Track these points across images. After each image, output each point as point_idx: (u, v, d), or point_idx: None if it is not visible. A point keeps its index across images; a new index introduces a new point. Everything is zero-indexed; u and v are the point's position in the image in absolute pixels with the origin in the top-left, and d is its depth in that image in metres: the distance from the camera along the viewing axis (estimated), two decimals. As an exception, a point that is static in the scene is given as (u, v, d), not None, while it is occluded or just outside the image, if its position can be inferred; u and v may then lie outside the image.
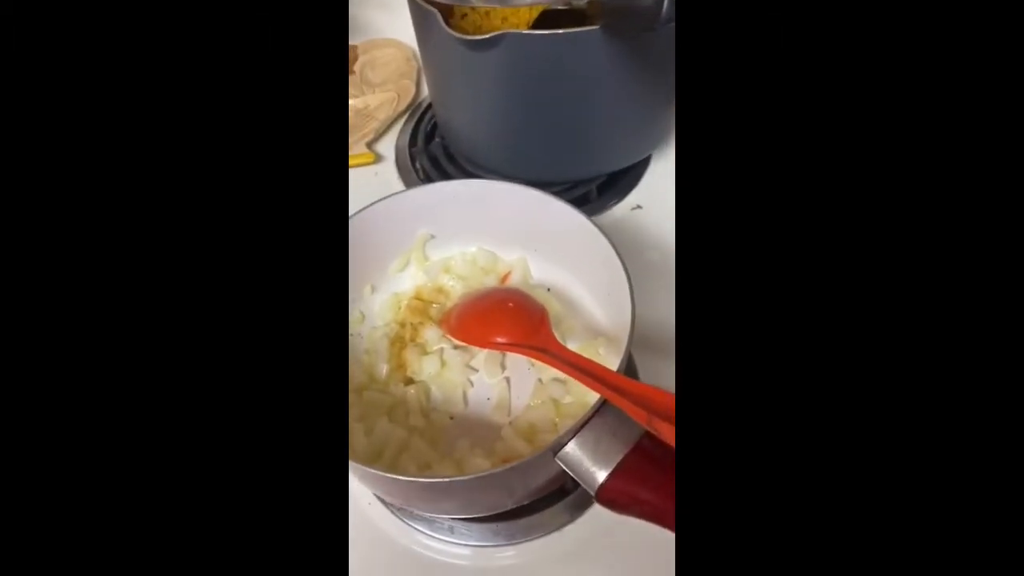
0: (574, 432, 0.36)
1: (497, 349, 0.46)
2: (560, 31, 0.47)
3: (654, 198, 0.62)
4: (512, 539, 0.44)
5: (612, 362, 0.45)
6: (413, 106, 0.74)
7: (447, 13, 0.53)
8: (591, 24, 0.47)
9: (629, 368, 0.49)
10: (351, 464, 0.36)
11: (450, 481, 0.35)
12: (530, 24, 0.63)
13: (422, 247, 0.54)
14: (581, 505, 0.45)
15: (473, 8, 0.60)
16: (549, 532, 0.44)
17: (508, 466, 0.35)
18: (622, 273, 0.43)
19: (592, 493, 0.35)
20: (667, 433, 0.31)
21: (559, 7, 0.51)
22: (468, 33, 0.63)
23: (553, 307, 0.51)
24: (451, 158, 0.66)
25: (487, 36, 0.47)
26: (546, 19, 0.63)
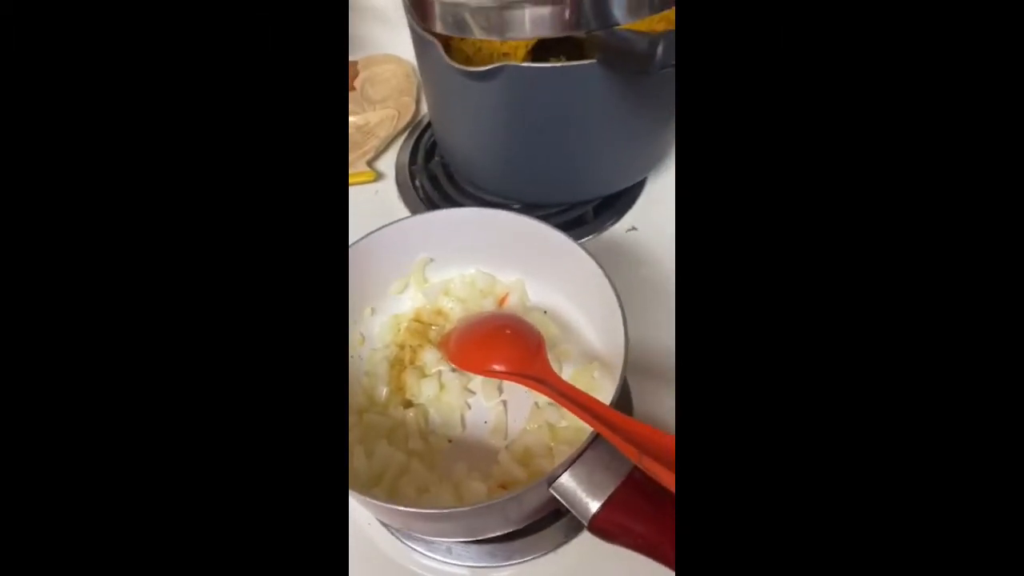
0: (569, 464, 0.37)
1: (494, 377, 0.47)
2: (558, 64, 0.48)
3: (649, 220, 0.63)
4: (509, 560, 0.46)
5: (607, 388, 0.46)
6: (413, 123, 0.75)
7: (446, 41, 0.54)
8: (588, 51, 0.48)
9: (623, 391, 0.50)
10: (351, 491, 0.38)
11: (448, 512, 0.37)
12: (529, 48, 0.64)
13: (422, 270, 0.55)
14: (576, 526, 0.46)
15: (473, 33, 0.61)
16: (545, 553, 0.46)
17: (504, 497, 0.36)
18: (615, 302, 0.44)
19: (584, 523, 0.36)
20: (657, 471, 0.32)
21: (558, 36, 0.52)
22: (468, 53, 0.65)
23: (550, 330, 0.52)
24: (450, 177, 0.67)
25: (486, 68, 0.48)
26: (545, 42, 0.64)
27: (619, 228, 0.63)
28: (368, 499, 0.37)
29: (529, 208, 0.62)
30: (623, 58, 0.44)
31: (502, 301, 0.55)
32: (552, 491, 0.37)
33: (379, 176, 0.70)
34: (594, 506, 0.36)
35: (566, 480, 0.37)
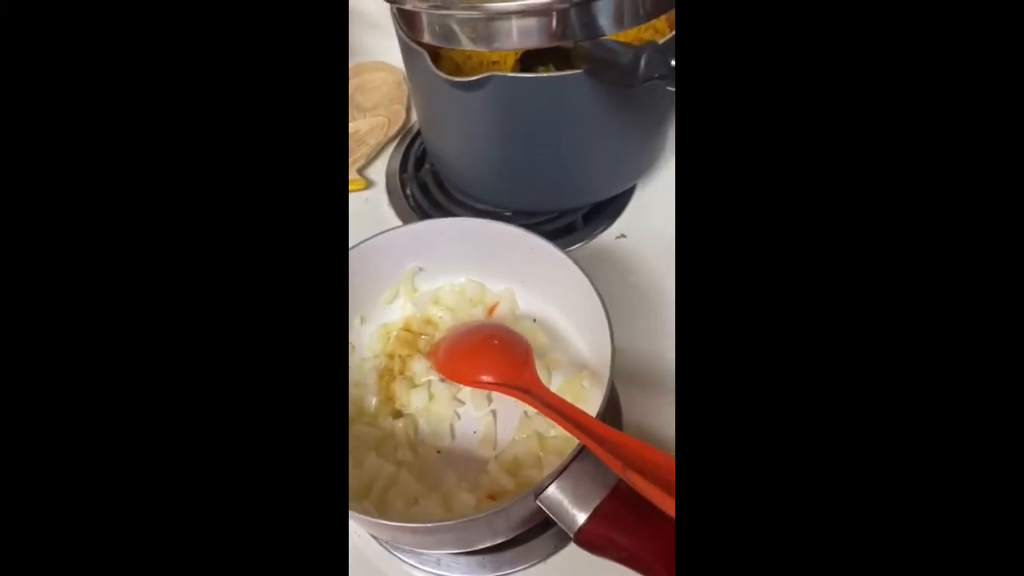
0: (555, 475, 0.37)
1: (482, 388, 0.47)
2: (544, 75, 0.48)
3: (639, 227, 0.63)
4: (498, 570, 0.45)
5: (596, 397, 0.46)
6: (403, 131, 0.75)
7: (435, 50, 0.54)
8: (576, 60, 0.48)
9: (612, 400, 0.50)
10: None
11: (435, 525, 0.37)
12: (518, 56, 0.64)
13: (411, 279, 0.55)
14: (566, 536, 0.45)
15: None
16: (535, 563, 0.46)
17: (491, 510, 0.36)
18: (602, 311, 0.44)
19: (571, 535, 0.36)
20: (641, 485, 0.32)
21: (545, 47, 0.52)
22: (457, 62, 0.65)
23: (539, 339, 0.52)
24: (440, 185, 0.67)
25: (473, 79, 0.48)
26: (533, 50, 0.64)
27: (609, 235, 0.63)
28: (355, 513, 0.37)
29: (519, 216, 0.62)
30: (607, 70, 0.44)
31: (492, 310, 0.55)
32: (539, 503, 0.37)
33: (369, 184, 0.70)
34: (581, 518, 0.36)
35: (553, 492, 0.37)
